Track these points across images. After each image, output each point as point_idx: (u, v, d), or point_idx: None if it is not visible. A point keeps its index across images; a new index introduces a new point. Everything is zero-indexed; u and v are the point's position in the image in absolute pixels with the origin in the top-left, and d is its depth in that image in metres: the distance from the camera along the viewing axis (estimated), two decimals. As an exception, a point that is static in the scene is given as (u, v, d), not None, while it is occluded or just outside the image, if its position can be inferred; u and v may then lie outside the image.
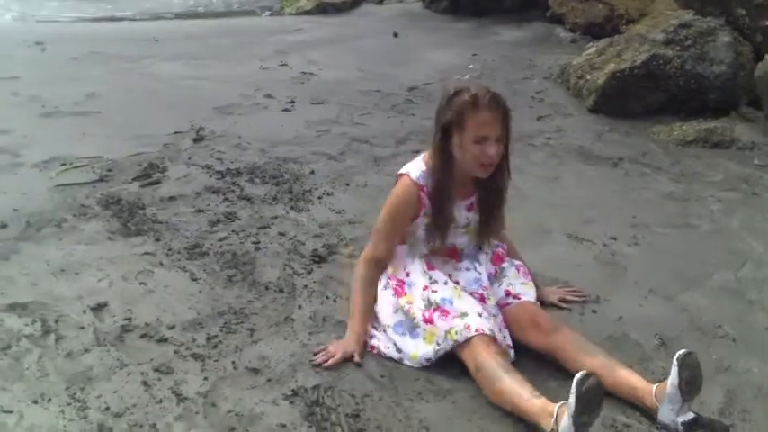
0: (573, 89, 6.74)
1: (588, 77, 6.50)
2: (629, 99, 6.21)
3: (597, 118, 6.25)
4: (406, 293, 3.15)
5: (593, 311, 3.45)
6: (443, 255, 3.22)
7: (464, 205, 3.15)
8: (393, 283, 3.19)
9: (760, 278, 3.74)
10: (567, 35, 8.99)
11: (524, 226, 4.30)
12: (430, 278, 3.14)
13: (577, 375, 2.46)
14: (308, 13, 11.23)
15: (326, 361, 2.99)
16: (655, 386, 2.72)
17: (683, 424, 2.63)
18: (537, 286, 3.38)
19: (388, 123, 5.87)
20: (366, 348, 3.12)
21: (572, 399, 2.44)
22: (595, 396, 2.45)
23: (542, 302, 3.36)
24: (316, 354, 3.04)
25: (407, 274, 3.19)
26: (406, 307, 3.08)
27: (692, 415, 2.65)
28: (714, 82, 6.04)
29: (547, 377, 2.99)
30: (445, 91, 3.01)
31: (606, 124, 6.10)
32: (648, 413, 2.74)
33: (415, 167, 3.11)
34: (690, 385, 2.61)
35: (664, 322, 3.36)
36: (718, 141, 5.56)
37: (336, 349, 3.03)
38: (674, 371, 2.62)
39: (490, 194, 3.12)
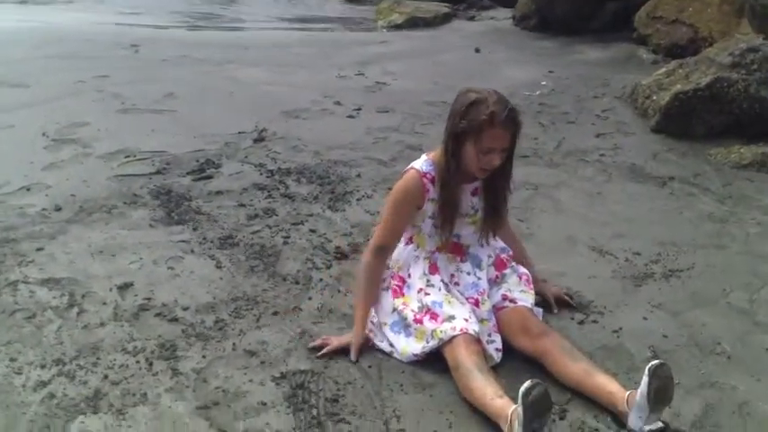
0: (639, 109, 6.69)
1: (654, 97, 6.45)
2: (692, 120, 6.13)
3: (658, 138, 6.19)
4: (403, 294, 3.25)
5: (594, 321, 3.47)
6: (449, 251, 3.29)
7: (469, 189, 3.22)
8: (394, 282, 3.30)
9: (775, 302, 3.68)
10: (650, 56, 8.88)
11: (552, 236, 4.36)
12: (427, 282, 3.24)
13: (523, 386, 2.53)
14: (398, 27, 11.41)
15: (321, 348, 3.12)
16: (627, 393, 2.75)
17: (648, 433, 2.65)
18: (541, 280, 3.54)
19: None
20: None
21: (520, 409, 2.51)
22: (543, 404, 2.52)
23: (542, 296, 3.50)
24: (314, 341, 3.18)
25: (409, 275, 3.30)
26: (401, 308, 3.20)
27: (659, 425, 2.67)
28: (778, 107, 5.92)
29: (542, 379, 3.02)
30: (463, 97, 3.07)
31: (665, 144, 6.04)
32: (620, 419, 2.76)
33: (420, 161, 3.22)
34: (658, 396, 2.63)
35: (662, 336, 3.35)
36: (774, 166, 5.45)
37: (335, 339, 3.16)
38: (644, 380, 2.65)
39: (494, 180, 3.18)
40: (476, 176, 3.16)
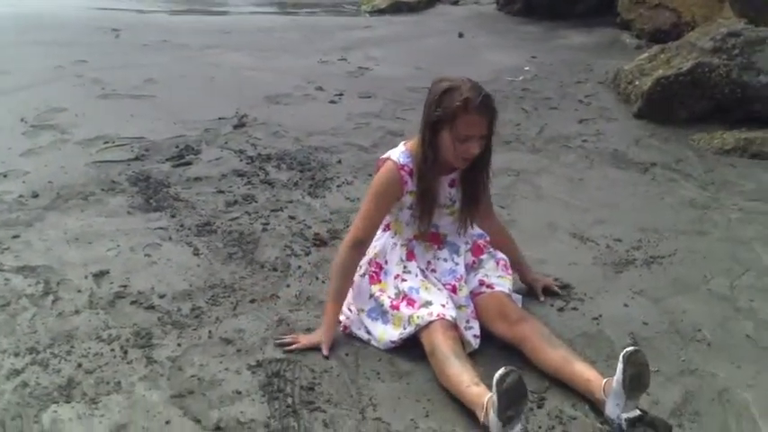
0: (622, 94, 6.67)
1: (637, 83, 6.43)
2: (674, 106, 6.11)
3: (641, 123, 6.18)
4: (380, 281, 3.23)
5: (574, 308, 3.46)
6: (426, 240, 3.28)
7: (447, 180, 3.20)
8: (371, 269, 3.27)
9: (757, 287, 3.67)
10: (633, 41, 8.87)
11: (533, 222, 4.34)
12: (404, 268, 3.21)
13: (497, 374, 2.51)
14: (382, 11, 11.35)
15: (290, 344, 3.08)
16: (604, 380, 2.73)
17: (626, 420, 2.63)
18: (526, 270, 3.55)
19: (428, 119, 5.95)
20: (339, 328, 3.21)
21: (494, 397, 2.50)
22: (517, 391, 2.49)
23: (529, 286, 3.54)
24: (284, 336, 3.14)
25: (386, 262, 3.27)
26: (377, 294, 3.18)
27: (637, 412, 2.65)
28: (760, 92, 5.89)
29: (518, 367, 3.01)
30: (437, 86, 3.04)
31: (648, 130, 6.03)
32: (598, 407, 2.75)
33: (397, 151, 3.19)
34: (634, 382, 2.61)
35: (643, 323, 3.34)
36: (756, 152, 5.42)
37: (304, 338, 3.12)
38: (619, 367, 2.63)
39: (472, 170, 3.16)
40: (453, 167, 3.13)
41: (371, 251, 3.32)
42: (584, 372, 2.83)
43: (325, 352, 3.04)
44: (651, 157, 5.45)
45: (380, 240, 3.32)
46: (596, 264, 3.89)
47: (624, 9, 9.25)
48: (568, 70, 7.82)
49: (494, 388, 2.50)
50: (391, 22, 10.56)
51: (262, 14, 11.38)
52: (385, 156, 3.23)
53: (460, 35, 9.43)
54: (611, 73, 7.25)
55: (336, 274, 3.21)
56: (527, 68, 7.88)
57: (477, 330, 3.13)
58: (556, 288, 3.57)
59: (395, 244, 3.28)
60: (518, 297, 3.44)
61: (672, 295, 3.60)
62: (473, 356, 3.04)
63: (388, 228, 3.32)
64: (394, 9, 11.34)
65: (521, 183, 4.92)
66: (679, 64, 6.13)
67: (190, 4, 12.22)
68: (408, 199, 3.17)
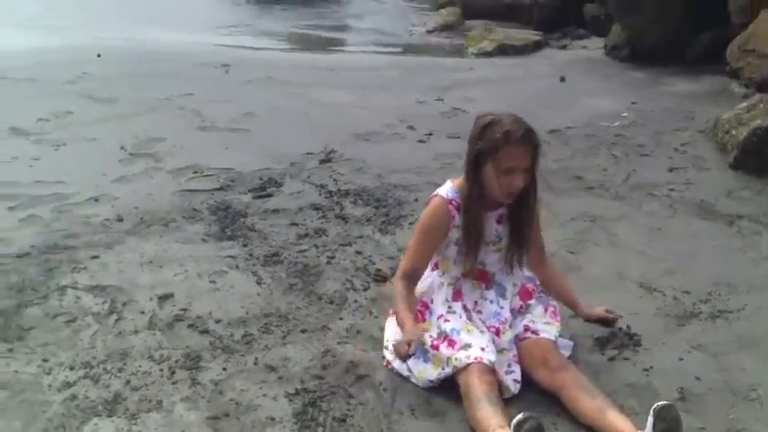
0: (719, 144, 6.48)
1: (734, 132, 6.24)
2: (772, 157, 5.91)
3: (735, 174, 5.98)
4: (425, 320, 3.25)
5: (626, 358, 3.38)
6: (473, 278, 3.28)
7: (494, 216, 3.21)
8: (417, 307, 3.29)
9: (826, 350, 3.51)
10: (741, 90, 8.59)
11: (601, 270, 4.27)
12: (449, 308, 3.23)
13: (516, 418, 2.50)
14: (488, 54, 11.40)
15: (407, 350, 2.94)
16: (636, 433, 2.68)
17: (656, 475, 2.57)
18: (580, 306, 3.48)
19: (513, 162, 5.94)
20: (382, 363, 3.25)
21: None
22: None
23: (586, 319, 3.48)
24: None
25: (432, 301, 3.29)
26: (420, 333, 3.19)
27: (667, 468, 2.59)
28: None
29: (555, 414, 2.99)
30: (480, 120, 3.10)
31: (742, 181, 5.83)
32: (630, 459, 2.69)
33: (445, 188, 3.23)
34: (664, 438, 2.55)
35: (695, 378, 3.24)
36: None
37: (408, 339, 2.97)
38: (649, 421, 2.58)
39: (519, 207, 3.17)
40: (500, 203, 3.14)
41: (419, 289, 3.35)
42: (618, 423, 2.78)
43: (412, 350, 2.91)
44: (740, 209, 5.26)
45: (428, 279, 3.35)
46: (659, 315, 3.79)
47: (733, 58, 8.98)
48: (668, 118, 7.65)
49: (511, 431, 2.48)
50: (495, 64, 10.59)
51: (368, 54, 11.61)
52: (434, 193, 3.27)
53: (562, 79, 9.37)
54: (712, 122, 7.06)
55: (397, 299, 3.18)
56: (625, 114, 7.76)
57: (518, 375, 3.11)
58: (608, 315, 3.49)
59: (442, 283, 3.30)
60: (569, 344, 3.41)
61: (732, 351, 3.47)
62: (512, 401, 3.02)
63: (436, 267, 3.35)
64: (500, 52, 11.37)
65: (596, 229, 4.85)
66: (777, 114, 5.92)
67: (305, 43, 12.62)
68: (455, 234, 3.20)
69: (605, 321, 3.51)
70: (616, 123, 7.41)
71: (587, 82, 9.42)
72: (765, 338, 3.59)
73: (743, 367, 3.35)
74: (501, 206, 3.18)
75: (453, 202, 3.17)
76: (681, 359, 3.40)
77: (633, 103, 8.22)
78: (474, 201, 3.11)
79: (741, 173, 6.02)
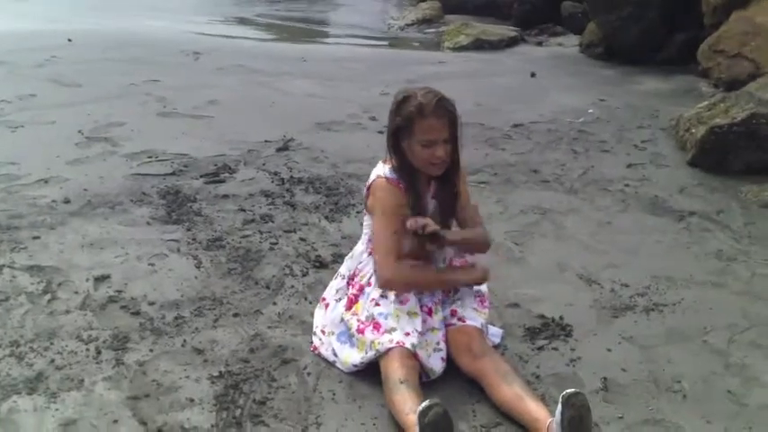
0: (679, 142, 6.52)
1: (693, 131, 6.28)
2: (728, 156, 5.93)
3: (692, 172, 6.01)
4: (356, 303, 3.25)
5: (555, 348, 3.40)
6: (414, 258, 3.26)
7: (429, 193, 3.23)
8: (351, 291, 3.29)
9: (756, 344, 3.52)
10: (710, 90, 8.63)
11: (542, 261, 4.30)
12: (382, 293, 3.19)
13: (420, 406, 2.52)
14: (464, 48, 11.40)
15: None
16: (549, 420, 2.69)
17: (565, 463, 2.58)
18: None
19: (472, 154, 5.91)
20: (310, 348, 3.26)
21: (416, 429, 2.50)
22: (440, 425, 2.50)
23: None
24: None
25: (369, 284, 3.27)
26: (348, 318, 3.21)
27: (578, 455, 2.60)
28: (819, 146, 5.68)
29: (476, 401, 3.00)
30: (396, 97, 3.11)
31: (697, 179, 5.86)
32: (544, 447, 2.70)
33: (382, 169, 3.22)
34: (573, 426, 2.56)
35: (621, 369, 3.26)
36: (807, 209, 5.22)
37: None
38: (558, 409, 2.59)
39: (445, 178, 3.19)
40: (431, 177, 3.15)
41: (358, 273, 3.34)
42: (534, 411, 2.80)
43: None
44: (691, 206, 5.29)
45: (367, 265, 3.33)
46: (594, 307, 3.81)
47: (704, 57, 9.03)
48: (633, 115, 7.67)
49: (416, 420, 2.50)
50: (469, 58, 10.59)
51: (345, 45, 11.60)
52: (373, 177, 3.24)
53: (533, 75, 9.39)
54: (675, 120, 7.09)
55: (418, 277, 3.23)
56: (591, 111, 7.78)
57: (444, 353, 3.13)
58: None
59: (379, 268, 3.30)
60: (498, 332, 3.44)
61: (662, 344, 3.50)
62: (435, 385, 3.03)
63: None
64: (475, 46, 11.37)
65: (545, 221, 4.87)
66: (735, 113, 5.96)
67: (281, 33, 12.60)
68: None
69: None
70: (580, 119, 7.43)
71: (558, 78, 9.43)
72: (697, 332, 3.62)
73: (670, 359, 3.37)
74: (432, 179, 3.18)
75: (401, 186, 3.15)
76: (609, 350, 3.43)
77: (601, 99, 8.25)
78: (413, 177, 3.11)
79: (698, 170, 6.07)
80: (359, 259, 3.38)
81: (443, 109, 3.01)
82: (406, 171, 3.13)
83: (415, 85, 3.13)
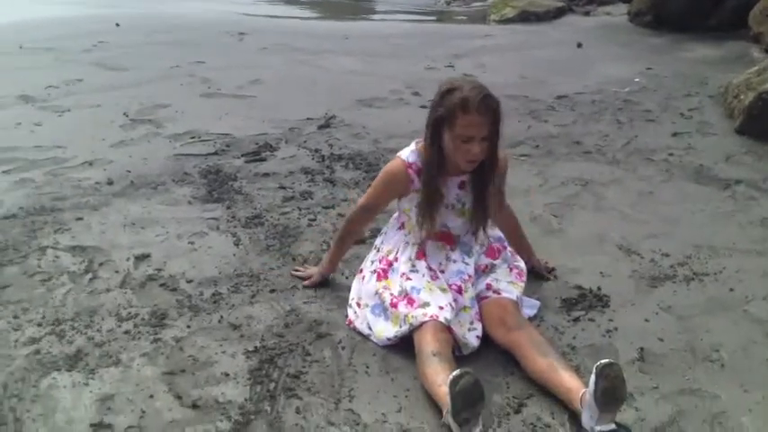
0: (727, 109, 6.38)
1: (741, 97, 6.14)
2: (777, 122, 5.80)
3: (739, 140, 5.88)
4: (387, 278, 3.26)
5: (591, 319, 3.37)
6: (438, 239, 3.28)
7: (456, 182, 3.20)
8: (380, 266, 3.32)
9: (799, 313, 3.46)
10: (761, 56, 8.42)
11: (581, 232, 4.25)
12: (412, 266, 3.23)
13: (451, 375, 2.51)
14: (510, 20, 11.30)
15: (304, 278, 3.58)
16: (582, 391, 2.67)
17: (598, 433, 2.56)
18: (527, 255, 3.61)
19: (514, 126, 5.87)
20: (345, 322, 3.28)
21: (448, 398, 2.49)
22: (471, 394, 2.48)
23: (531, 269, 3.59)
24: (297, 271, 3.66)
25: (396, 259, 3.30)
26: (381, 291, 3.21)
27: (611, 426, 2.57)
28: None
29: (509, 373, 3.00)
30: (441, 87, 3.08)
31: (745, 146, 5.73)
32: (578, 418, 2.68)
33: (407, 150, 3.23)
34: (606, 396, 2.53)
35: (658, 339, 3.21)
36: None
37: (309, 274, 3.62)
38: (591, 379, 2.56)
39: (481, 175, 3.16)
40: (463, 171, 3.13)
41: (385, 248, 3.36)
42: (567, 381, 2.77)
43: (306, 283, 3.55)
44: (738, 174, 5.18)
45: (394, 238, 3.36)
46: (633, 277, 3.76)
47: (755, 22, 8.81)
48: (681, 83, 7.53)
49: (447, 389, 2.49)
50: (515, 31, 10.48)
51: (390, 21, 11.56)
52: (398, 154, 3.26)
53: (579, 45, 9.27)
54: (724, 87, 6.94)
55: (340, 229, 3.56)
56: (637, 80, 7.66)
57: (479, 332, 3.12)
58: (543, 270, 3.67)
59: (407, 243, 3.31)
60: (535, 303, 3.42)
61: (701, 314, 3.44)
62: (470, 359, 3.03)
63: (402, 227, 3.36)
64: (522, 18, 11.27)
65: (585, 193, 4.81)
66: (785, 78, 5.81)
67: (326, 11, 12.60)
68: (416, 197, 3.19)
69: (540, 275, 3.66)
70: (626, 89, 7.32)
71: (605, 48, 9.30)
72: (738, 302, 3.55)
73: (709, 329, 3.32)
74: (464, 172, 3.16)
75: (413, 166, 3.16)
76: (646, 320, 3.38)
77: (648, 68, 8.12)
78: (433, 166, 3.10)
79: (746, 138, 5.94)
80: (390, 234, 3.39)
81: (487, 106, 2.95)
82: (434, 160, 3.10)
83: (464, 78, 3.09)
